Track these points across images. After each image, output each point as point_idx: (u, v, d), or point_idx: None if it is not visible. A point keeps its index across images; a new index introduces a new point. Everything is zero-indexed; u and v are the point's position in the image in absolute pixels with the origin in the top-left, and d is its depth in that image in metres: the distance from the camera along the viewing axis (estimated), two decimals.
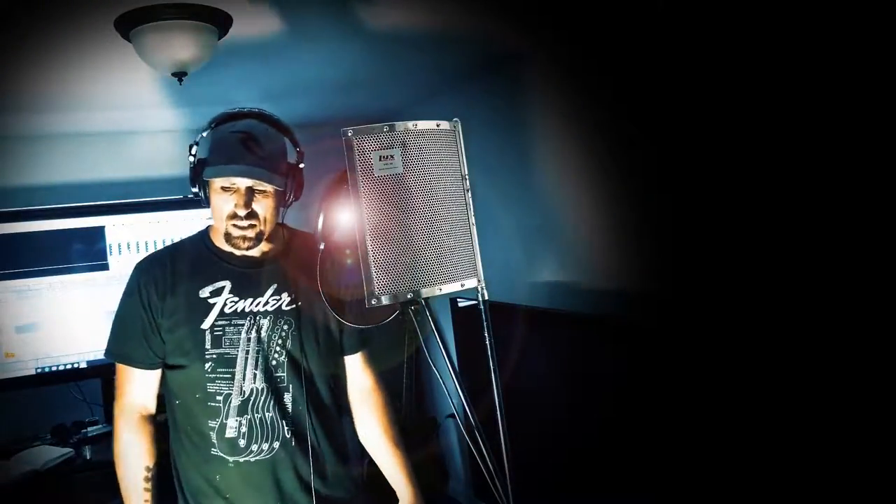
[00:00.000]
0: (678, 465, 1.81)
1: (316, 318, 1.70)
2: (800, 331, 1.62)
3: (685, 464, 1.80)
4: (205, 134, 1.63)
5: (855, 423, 1.50)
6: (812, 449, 1.57)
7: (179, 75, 2.02)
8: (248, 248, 1.62)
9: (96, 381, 3.10)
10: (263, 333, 1.63)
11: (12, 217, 3.09)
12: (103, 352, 1.70)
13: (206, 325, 1.61)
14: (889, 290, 1.43)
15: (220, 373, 1.60)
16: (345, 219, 1.33)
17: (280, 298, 1.66)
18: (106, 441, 2.21)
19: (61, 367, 3.09)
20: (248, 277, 1.66)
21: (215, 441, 1.61)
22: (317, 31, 2.19)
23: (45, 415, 3.14)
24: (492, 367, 1.30)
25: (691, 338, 1.85)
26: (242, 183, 1.57)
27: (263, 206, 1.60)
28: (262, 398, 1.62)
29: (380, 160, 1.22)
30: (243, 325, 1.62)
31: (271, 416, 1.62)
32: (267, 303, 1.65)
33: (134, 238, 3.25)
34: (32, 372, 3.06)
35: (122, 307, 1.67)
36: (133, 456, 1.62)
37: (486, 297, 1.34)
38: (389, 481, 1.80)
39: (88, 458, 2.79)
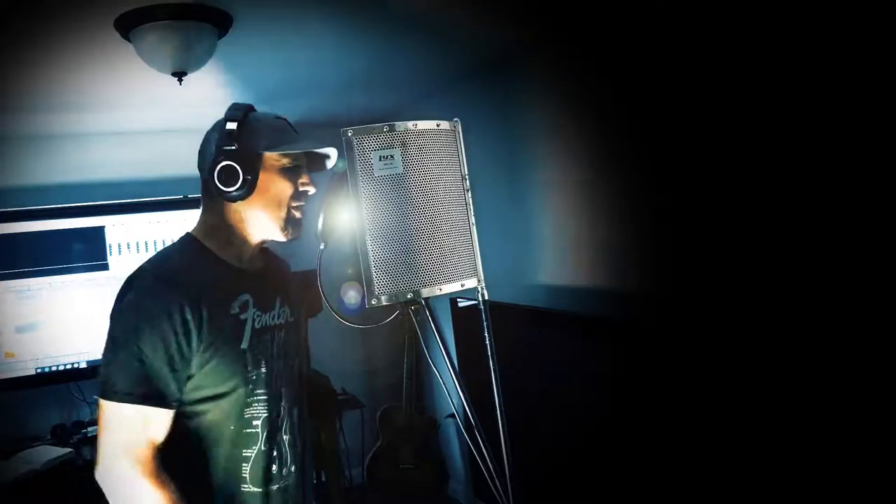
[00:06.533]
0: (678, 465, 1.81)
1: (301, 333, 1.64)
2: (799, 331, 1.62)
3: (685, 464, 1.79)
4: (233, 125, 1.41)
5: (854, 422, 1.50)
6: (811, 448, 1.57)
7: (179, 75, 2.02)
8: (297, 237, 1.49)
9: (96, 382, 3.10)
10: (282, 349, 1.51)
11: (12, 217, 3.09)
12: (109, 395, 1.39)
13: (245, 344, 1.43)
14: (888, 290, 1.43)
15: (258, 395, 1.45)
16: (345, 219, 1.32)
17: (284, 311, 1.56)
18: None
19: (61, 367, 3.09)
20: (262, 288, 1.50)
21: (247, 475, 1.44)
22: (317, 31, 2.19)
23: (45, 415, 3.14)
24: (492, 367, 1.30)
25: (691, 338, 1.85)
26: (332, 152, 1.47)
27: None
28: (287, 418, 1.51)
29: (380, 160, 1.22)
30: (268, 339, 1.49)
31: (289, 438, 1.51)
32: (278, 315, 1.53)
33: (134, 238, 3.25)
34: (32, 372, 3.06)
35: (139, 336, 1.34)
36: None
37: (486, 297, 1.34)
38: None
39: (88, 458, 2.79)
